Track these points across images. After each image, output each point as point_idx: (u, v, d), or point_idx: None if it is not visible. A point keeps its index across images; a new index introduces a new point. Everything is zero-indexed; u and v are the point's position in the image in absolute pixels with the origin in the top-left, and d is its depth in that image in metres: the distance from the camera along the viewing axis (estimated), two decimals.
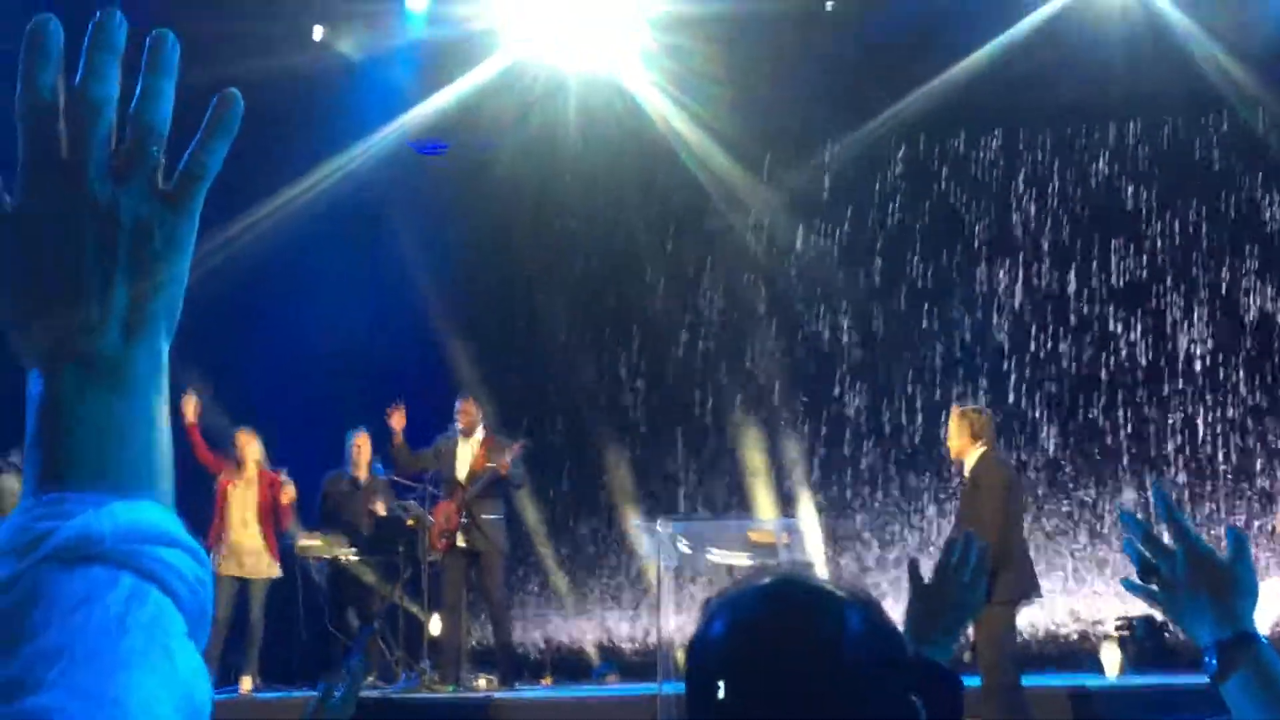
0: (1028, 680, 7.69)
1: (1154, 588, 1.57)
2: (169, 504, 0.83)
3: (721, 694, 1.30)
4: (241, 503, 9.88)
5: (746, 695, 1.29)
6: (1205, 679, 1.54)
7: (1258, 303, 11.62)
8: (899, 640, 1.36)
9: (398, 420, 9.97)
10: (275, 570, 9.97)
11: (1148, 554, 1.57)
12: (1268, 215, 11.69)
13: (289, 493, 9.97)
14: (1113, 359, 11.90)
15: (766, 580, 1.40)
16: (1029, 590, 7.56)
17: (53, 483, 0.81)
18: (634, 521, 7.20)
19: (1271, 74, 11.22)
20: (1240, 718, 1.48)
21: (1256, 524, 10.95)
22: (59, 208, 0.85)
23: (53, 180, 0.86)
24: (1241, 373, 11.59)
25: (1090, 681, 8.78)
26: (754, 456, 12.11)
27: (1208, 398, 11.65)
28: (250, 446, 9.96)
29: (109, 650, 0.74)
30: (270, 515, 9.94)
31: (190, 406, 9.81)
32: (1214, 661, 1.50)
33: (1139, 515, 1.59)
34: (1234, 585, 1.50)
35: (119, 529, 0.78)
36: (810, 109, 12.06)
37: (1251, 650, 1.48)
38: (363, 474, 10.58)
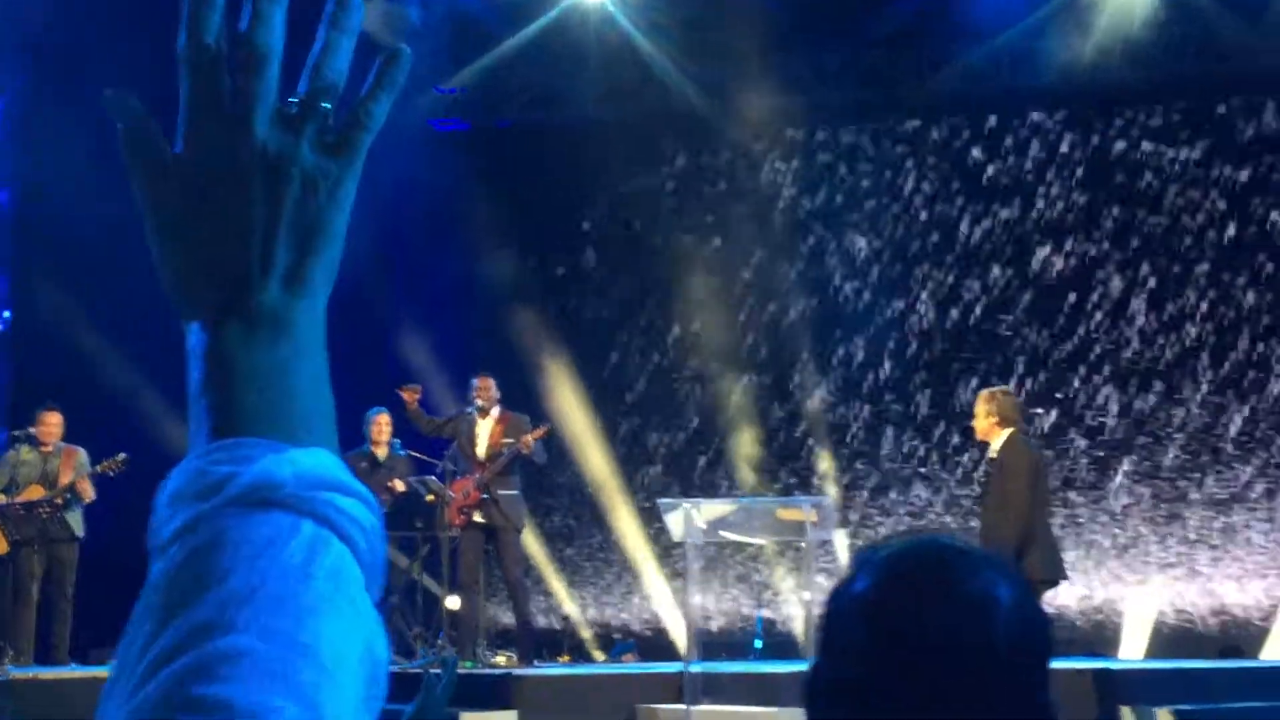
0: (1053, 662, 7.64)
1: None
2: (337, 453, 0.81)
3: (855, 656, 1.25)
4: None
5: (884, 654, 1.23)
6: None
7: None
8: (1048, 626, 1.30)
9: (410, 398, 10.01)
10: None
11: None
12: None
13: None
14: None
15: (919, 537, 1.33)
16: (1055, 573, 7.54)
17: (227, 430, 0.79)
18: (660, 500, 7.16)
19: None
20: None
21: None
22: (225, 157, 0.83)
23: (218, 129, 0.83)
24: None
25: (1113, 664, 8.76)
26: (761, 433, 12.15)
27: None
28: None
29: (296, 595, 0.73)
30: None
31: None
32: None
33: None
34: None
35: (299, 475, 0.76)
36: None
37: None
38: (383, 452, 10.60)
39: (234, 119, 0.83)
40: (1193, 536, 11.53)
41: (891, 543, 1.32)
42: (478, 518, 9.71)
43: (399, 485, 10.40)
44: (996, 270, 12.22)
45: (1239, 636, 10.51)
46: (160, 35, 0.94)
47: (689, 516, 6.76)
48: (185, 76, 0.84)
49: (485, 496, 9.67)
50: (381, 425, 10.56)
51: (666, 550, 11.32)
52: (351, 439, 10.77)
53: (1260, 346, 11.60)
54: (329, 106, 0.86)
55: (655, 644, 11.62)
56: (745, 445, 12.33)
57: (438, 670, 2.80)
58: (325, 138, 0.85)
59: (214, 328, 0.81)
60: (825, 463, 12.28)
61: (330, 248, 0.85)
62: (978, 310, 12.23)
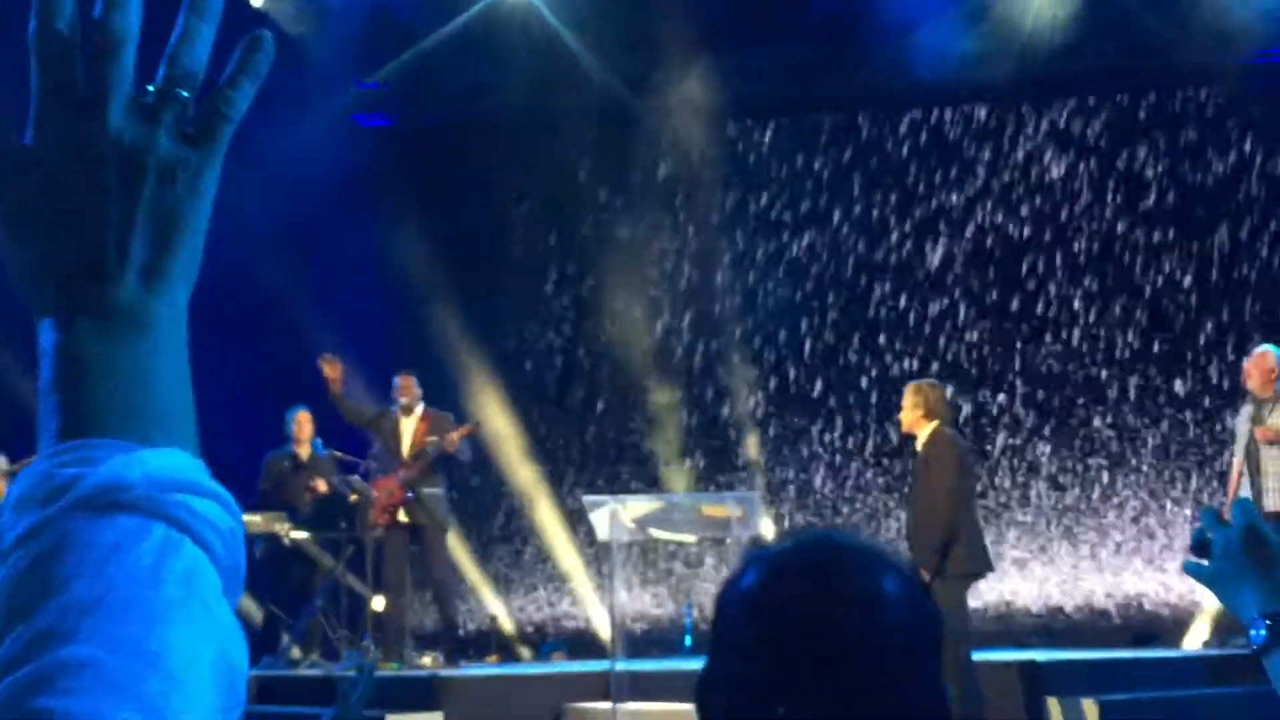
0: (976, 654, 7.70)
1: (1204, 563, 1.53)
2: (196, 454, 0.78)
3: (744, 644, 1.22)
4: None
5: (770, 650, 1.21)
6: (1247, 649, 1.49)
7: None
8: (937, 618, 1.27)
9: (332, 371, 9.77)
10: None
11: (1207, 533, 1.55)
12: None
13: None
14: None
15: (810, 533, 1.33)
16: (981, 566, 7.57)
17: (75, 431, 0.76)
18: (584, 498, 7.10)
19: None
20: None
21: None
22: (77, 146, 0.79)
23: (70, 117, 0.80)
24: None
25: (1040, 655, 8.83)
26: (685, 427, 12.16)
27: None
28: None
29: (144, 602, 0.70)
30: None
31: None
32: (1262, 632, 1.45)
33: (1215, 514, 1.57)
34: None
35: (150, 476, 0.74)
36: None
37: None
38: (305, 451, 10.47)
39: (87, 107, 0.80)
40: (1107, 526, 11.69)
41: (783, 540, 1.33)
42: (402, 517, 9.63)
43: (322, 485, 10.27)
44: (924, 262, 12.30)
45: (1153, 625, 10.67)
46: (14, 21, 0.88)
47: (613, 514, 6.70)
48: (36, 63, 0.80)
49: (410, 496, 9.59)
50: (302, 423, 10.44)
51: (594, 549, 11.28)
52: (273, 440, 10.62)
53: (1176, 337, 11.76)
54: (188, 95, 0.82)
55: (584, 643, 11.56)
56: (672, 442, 12.31)
57: (353, 676, 2.72)
58: (184, 127, 0.82)
59: (66, 324, 0.79)
60: (754, 458, 12.30)
61: (190, 241, 0.83)
62: (903, 302, 12.30)
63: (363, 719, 2.67)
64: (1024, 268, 12.10)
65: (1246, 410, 8.94)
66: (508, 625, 12.30)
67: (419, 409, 9.88)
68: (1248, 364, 9.02)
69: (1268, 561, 1.47)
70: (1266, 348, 9.07)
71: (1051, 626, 11.33)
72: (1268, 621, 1.44)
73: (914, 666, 1.22)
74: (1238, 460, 8.85)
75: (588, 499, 7.03)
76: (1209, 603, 9.91)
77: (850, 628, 1.20)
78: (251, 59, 0.84)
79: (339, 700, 2.66)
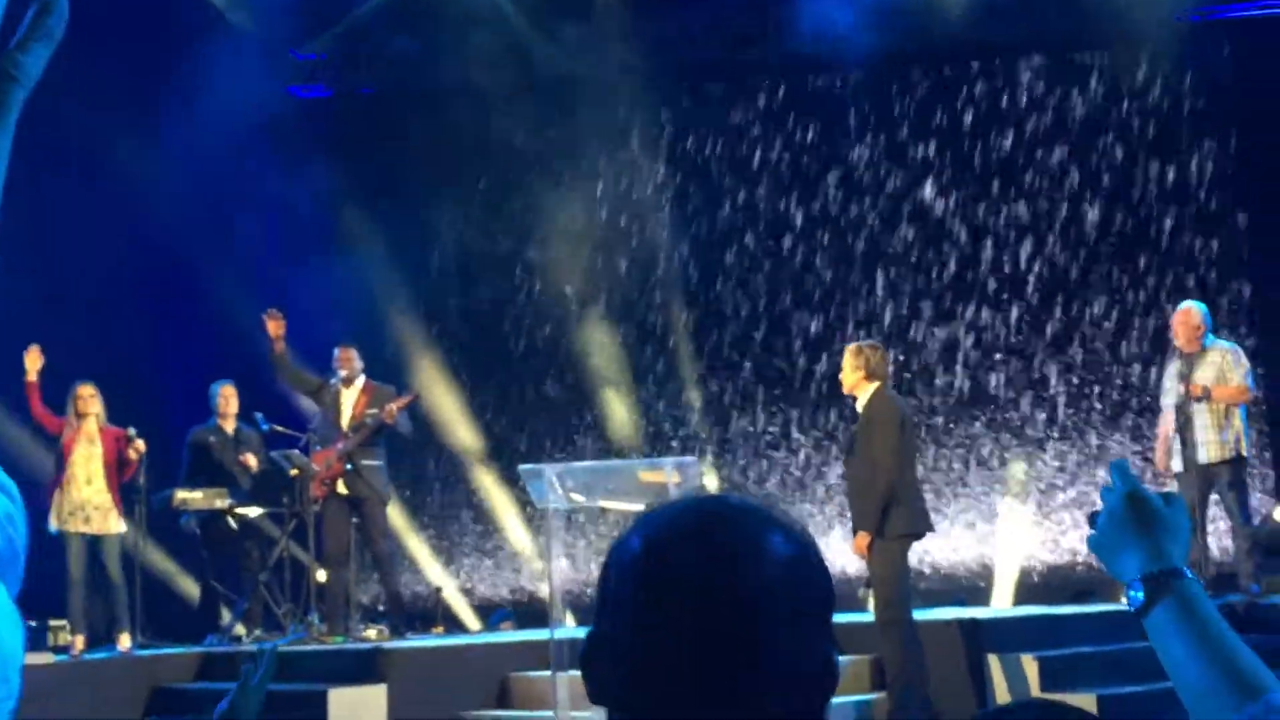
0: (918, 613, 7.75)
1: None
2: None
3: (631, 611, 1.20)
4: (85, 460, 9.52)
5: (654, 611, 1.18)
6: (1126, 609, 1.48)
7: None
8: (826, 579, 1.24)
9: (275, 327, 9.64)
10: (122, 526, 9.61)
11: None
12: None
13: (139, 447, 9.61)
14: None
15: (701, 496, 1.30)
16: (921, 526, 7.59)
17: None
18: (521, 466, 7.05)
19: None
20: (1162, 650, 1.42)
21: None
22: None
23: None
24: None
25: (980, 613, 8.90)
26: (630, 394, 12.16)
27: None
28: (92, 401, 9.59)
29: None
30: (115, 471, 9.59)
31: (32, 362, 9.47)
32: (1139, 594, 1.44)
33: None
34: (1166, 528, 1.47)
35: None
36: None
37: (1179, 583, 1.43)
38: (230, 426, 10.34)
39: None
40: (1042, 486, 11.79)
41: (666, 503, 1.27)
42: (341, 489, 9.56)
43: (251, 461, 10.17)
44: (865, 224, 12.32)
45: (1090, 582, 10.78)
46: None
47: (550, 482, 6.66)
48: None
49: (349, 468, 9.52)
50: (227, 398, 10.32)
51: (540, 517, 11.25)
52: (200, 413, 10.49)
53: (1108, 286, 11.85)
54: None
55: (533, 612, 11.54)
56: (616, 408, 12.30)
57: (254, 653, 2.66)
58: None
59: None
60: (699, 425, 12.31)
61: None
62: (845, 265, 12.33)
63: (261, 704, 2.60)
64: (961, 231, 12.14)
65: (1174, 366, 9.02)
66: (455, 596, 12.27)
67: (360, 381, 9.81)
68: (1174, 321, 9.10)
69: (1148, 523, 1.46)
70: (1190, 304, 9.16)
71: (989, 586, 11.42)
72: (1145, 584, 1.44)
73: (799, 628, 1.20)
74: (1167, 416, 8.94)
75: (524, 468, 6.98)
76: None
77: (733, 590, 1.18)
78: (42, 22, 0.80)
79: (238, 686, 2.59)
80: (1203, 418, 8.72)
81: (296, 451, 9.92)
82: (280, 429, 10.37)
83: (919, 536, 7.64)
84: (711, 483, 11.12)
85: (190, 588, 10.89)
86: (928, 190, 12.21)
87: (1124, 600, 1.50)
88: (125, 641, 9.50)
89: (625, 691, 1.20)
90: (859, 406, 7.72)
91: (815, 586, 1.23)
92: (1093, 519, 1.52)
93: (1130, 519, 1.47)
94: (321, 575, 9.76)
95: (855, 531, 7.53)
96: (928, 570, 11.47)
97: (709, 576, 1.18)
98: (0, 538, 0.72)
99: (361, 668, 8.22)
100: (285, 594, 9.95)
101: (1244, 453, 8.82)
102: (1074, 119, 12.03)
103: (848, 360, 7.79)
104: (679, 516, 1.24)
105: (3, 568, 0.71)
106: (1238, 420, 8.78)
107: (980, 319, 12.06)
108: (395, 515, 10.91)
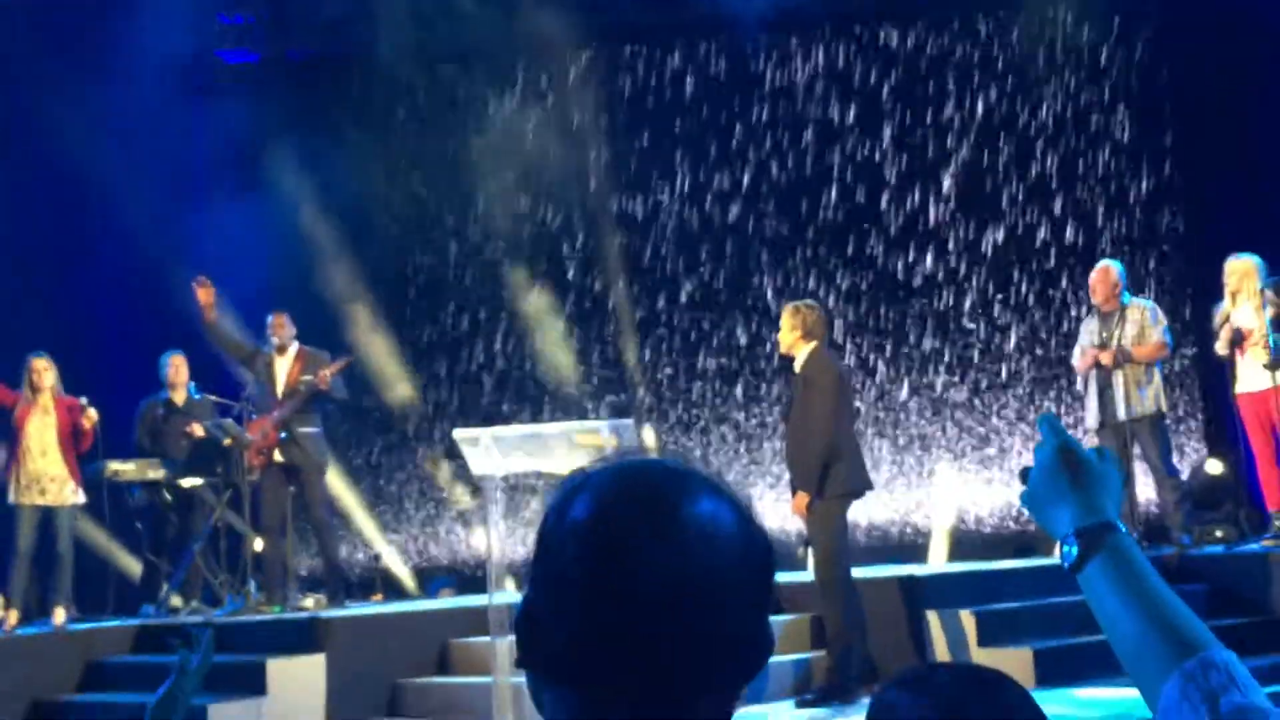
0: (858, 571, 7.78)
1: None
2: None
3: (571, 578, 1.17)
4: (40, 431, 9.40)
5: (602, 584, 1.16)
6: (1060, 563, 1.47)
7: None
8: (769, 547, 1.23)
9: (205, 295, 9.51)
10: (79, 497, 9.54)
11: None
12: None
13: (91, 416, 9.50)
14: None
15: (634, 460, 1.25)
16: (860, 485, 7.61)
17: None
18: (456, 432, 6.99)
19: None
20: (1097, 605, 1.41)
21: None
22: None
23: None
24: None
25: (919, 570, 8.97)
26: (562, 358, 12.12)
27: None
28: (46, 374, 9.46)
29: None
30: (70, 442, 9.48)
31: None
32: (1073, 549, 1.42)
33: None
34: (1099, 481, 1.45)
35: None
36: None
37: (1113, 537, 1.41)
38: (180, 396, 10.26)
39: None
40: (983, 442, 11.90)
41: (606, 466, 1.24)
42: (278, 457, 9.47)
43: (197, 430, 10.06)
44: (784, 182, 12.32)
45: (1028, 537, 10.90)
46: None
47: (486, 447, 6.62)
48: None
49: (285, 436, 9.43)
50: (177, 367, 10.25)
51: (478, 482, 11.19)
52: (149, 385, 10.39)
53: (1038, 258, 11.94)
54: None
55: (475, 579, 11.51)
56: (556, 370, 12.25)
57: (191, 634, 2.59)
58: None
59: None
60: (641, 388, 12.30)
61: None
62: (774, 224, 12.34)
63: (199, 688, 2.53)
64: (893, 178, 12.19)
65: (1092, 323, 9.11)
66: (396, 564, 12.21)
67: (293, 348, 9.72)
68: (1092, 279, 9.20)
69: (1080, 478, 1.45)
70: (1107, 262, 9.26)
71: (926, 542, 11.52)
72: (1078, 539, 1.42)
73: (747, 598, 1.19)
74: (1081, 366, 9.07)
75: (459, 433, 6.92)
76: None
77: (685, 561, 1.16)
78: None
79: (175, 672, 2.51)
80: (1121, 374, 8.82)
81: (230, 420, 9.81)
82: (215, 398, 10.27)
83: (858, 495, 7.66)
84: (650, 441, 11.10)
85: (130, 562, 10.76)
86: (859, 147, 12.24)
87: (1057, 554, 1.49)
88: (60, 615, 9.38)
89: (560, 661, 1.18)
90: (796, 367, 7.71)
91: (764, 555, 1.22)
92: (1025, 474, 1.51)
93: (1062, 473, 1.45)
94: (259, 545, 9.67)
95: (794, 491, 7.54)
96: (878, 526, 11.58)
97: (656, 551, 1.15)
98: None
99: (300, 638, 8.16)
100: (222, 564, 9.85)
101: (1163, 408, 8.95)
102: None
103: (785, 320, 7.78)
104: (621, 482, 1.21)
105: None
106: (1157, 377, 8.91)
107: (905, 277, 12.11)
108: (334, 482, 10.81)
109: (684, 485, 1.20)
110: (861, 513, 10.78)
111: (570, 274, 12.51)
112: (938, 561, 11.10)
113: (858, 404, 11.21)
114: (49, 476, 9.36)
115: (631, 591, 1.14)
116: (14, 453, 9.36)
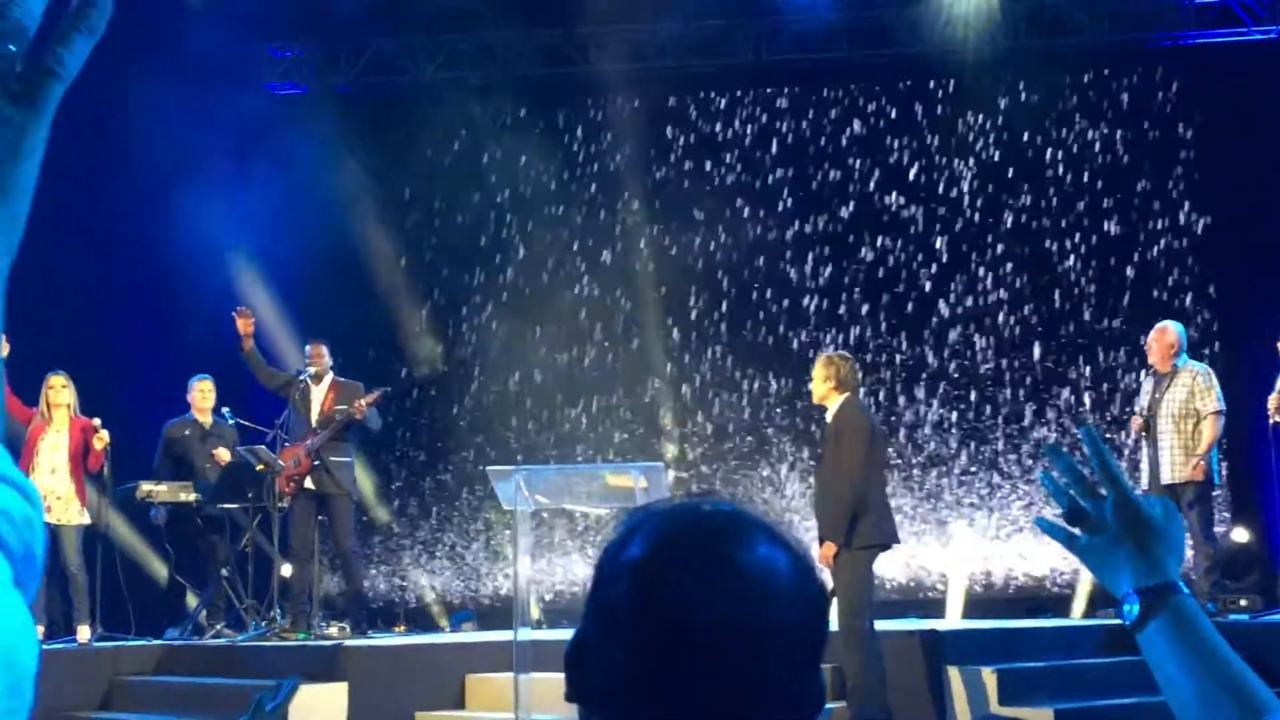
0: (880, 623, 7.77)
1: (1075, 531, 1.50)
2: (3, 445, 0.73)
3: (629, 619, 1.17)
4: (51, 449, 9.49)
5: (658, 626, 1.15)
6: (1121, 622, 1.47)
7: None
8: (825, 595, 1.24)
9: (244, 325, 9.70)
10: (85, 518, 9.58)
11: (1076, 497, 1.50)
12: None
13: (103, 438, 9.57)
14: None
15: (694, 501, 1.24)
16: (887, 537, 7.61)
17: None
18: (488, 468, 7.05)
19: None
20: (1157, 665, 1.40)
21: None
22: None
23: None
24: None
25: (941, 625, 8.95)
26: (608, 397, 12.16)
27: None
28: (63, 392, 9.56)
29: None
30: (81, 461, 9.55)
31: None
32: (1135, 608, 1.42)
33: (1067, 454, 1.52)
34: (1161, 539, 1.45)
35: None
36: None
37: (1175, 598, 1.41)
38: (206, 420, 10.33)
39: None
40: (1007, 501, 11.88)
41: (664, 505, 1.24)
42: (309, 484, 9.55)
43: (224, 455, 10.14)
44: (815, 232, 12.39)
45: (1044, 598, 10.87)
46: None
47: (518, 484, 6.67)
48: None
49: (317, 464, 9.51)
50: (205, 392, 10.31)
51: (504, 519, 11.25)
52: (178, 407, 10.47)
53: (1078, 318, 11.95)
54: (15, 50, 0.77)
55: (498, 614, 11.54)
56: (589, 411, 12.30)
57: (271, 686, 2.63)
58: (9, 84, 0.77)
59: None
60: (670, 429, 12.33)
61: (10, 203, 0.76)
62: (786, 258, 12.38)
63: None
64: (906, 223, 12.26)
65: (1148, 384, 9.10)
66: (420, 596, 12.24)
67: (329, 378, 9.81)
68: (1150, 338, 9.17)
69: (1141, 535, 1.44)
70: (1166, 323, 9.20)
71: (941, 598, 11.50)
72: (1140, 597, 1.42)
73: (802, 649, 1.18)
74: (1137, 421, 9.02)
75: (492, 469, 6.98)
76: (1086, 577, 10.15)
77: (744, 609, 1.15)
78: (85, 15, 0.79)
79: (251, 711, 2.56)
80: (1169, 438, 8.76)
81: (263, 447, 9.89)
82: (248, 423, 10.36)
83: (885, 548, 7.66)
84: (677, 487, 11.14)
85: (154, 581, 10.83)
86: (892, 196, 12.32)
87: (1114, 614, 1.48)
88: (84, 634, 9.45)
89: (608, 697, 1.17)
90: (828, 417, 7.73)
91: (818, 604, 1.21)
92: (1072, 516, 1.49)
93: (1122, 527, 1.45)
94: (287, 570, 9.73)
95: (821, 541, 7.56)
96: (899, 581, 11.56)
97: (720, 591, 1.15)
98: (18, 543, 0.69)
99: (324, 665, 8.21)
100: (248, 589, 9.91)
101: (1212, 478, 8.83)
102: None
103: (818, 370, 7.80)
104: (682, 523, 1.20)
105: (20, 574, 0.69)
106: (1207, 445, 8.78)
107: (930, 330, 12.13)
108: (363, 513, 10.89)
109: (741, 529, 1.19)
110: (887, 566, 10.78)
111: (602, 308, 12.57)
112: (954, 617, 11.07)
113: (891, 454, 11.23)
114: (55, 494, 9.41)
115: (681, 631, 1.14)
116: (23, 469, 9.41)
